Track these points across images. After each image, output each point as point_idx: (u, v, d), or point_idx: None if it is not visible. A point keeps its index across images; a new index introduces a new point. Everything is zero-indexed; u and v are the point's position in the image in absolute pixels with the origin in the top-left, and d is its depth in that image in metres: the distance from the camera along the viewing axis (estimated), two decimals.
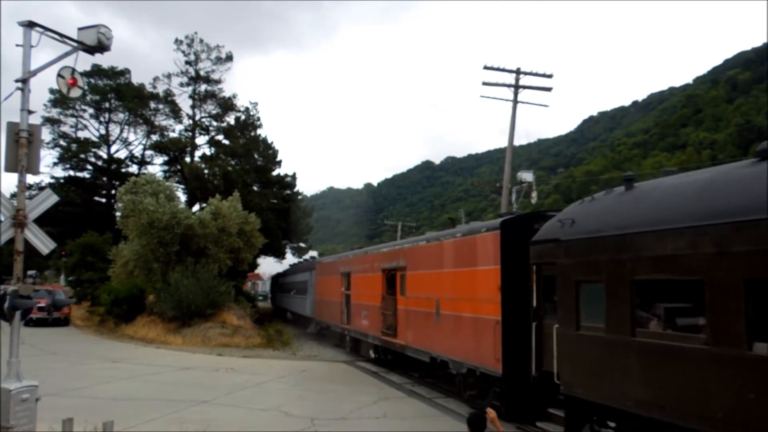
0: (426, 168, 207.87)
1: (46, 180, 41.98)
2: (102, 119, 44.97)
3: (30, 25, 7.99)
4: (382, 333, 17.37)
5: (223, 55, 43.54)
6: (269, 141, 45.05)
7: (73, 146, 43.23)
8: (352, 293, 21.35)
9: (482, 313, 11.45)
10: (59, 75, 8.35)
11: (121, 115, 44.77)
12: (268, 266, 58.04)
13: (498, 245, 11.04)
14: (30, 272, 56.87)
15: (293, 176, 46.98)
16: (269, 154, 44.68)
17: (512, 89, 24.17)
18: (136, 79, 44.51)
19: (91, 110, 44.54)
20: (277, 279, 50.46)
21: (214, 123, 44.53)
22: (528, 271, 9.67)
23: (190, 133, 44.35)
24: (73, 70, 8.42)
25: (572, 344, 8.07)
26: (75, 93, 8.68)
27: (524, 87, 24.23)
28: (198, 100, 43.63)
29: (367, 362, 20.09)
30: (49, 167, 42.76)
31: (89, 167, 44.76)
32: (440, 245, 13.86)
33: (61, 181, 42.92)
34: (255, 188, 42.86)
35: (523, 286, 9.94)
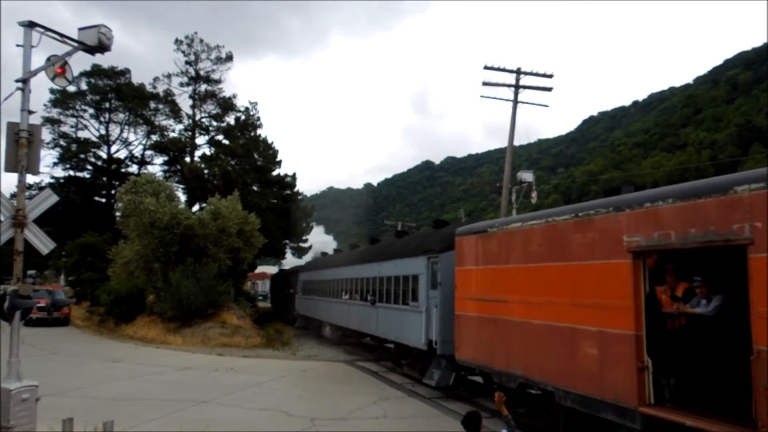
0: (426, 168, 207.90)
1: (46, 180, 42.01)
2: (102, 119, 44.91)
3: (30, 25, 7.98)
4: None
5: (223, 55, 43.57)
6: (269, 141, 44.97)
7: (73, 146, 43.13)
8: None
9: None
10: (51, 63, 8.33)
11: (121, 115, 44.67)
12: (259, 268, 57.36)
13: None
14: (30, 272, 56.87)
15: (293, 176, 46.85)
16: (269, 154, 44.58)
17: (512, 89, 24.20)
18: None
19: (91, 110, 44.45)
20: (290, 276, 38.12)
21: (214, 123, 44.43)
22: None
23: (190, 133, 44.26)
24: (65, 62, 8.41)
25: None
26: (60, 82, 8.59)
27: (524, 87, 24.25)
28: (198, 100, 43.57)
29: (367, 362, 20.06)
30: (49, 167, 42.75)
31: (89, 167, 44.64)
32: None
33: (61, 181, 42.83)
34: (255, 188, 42.77)
35: None
